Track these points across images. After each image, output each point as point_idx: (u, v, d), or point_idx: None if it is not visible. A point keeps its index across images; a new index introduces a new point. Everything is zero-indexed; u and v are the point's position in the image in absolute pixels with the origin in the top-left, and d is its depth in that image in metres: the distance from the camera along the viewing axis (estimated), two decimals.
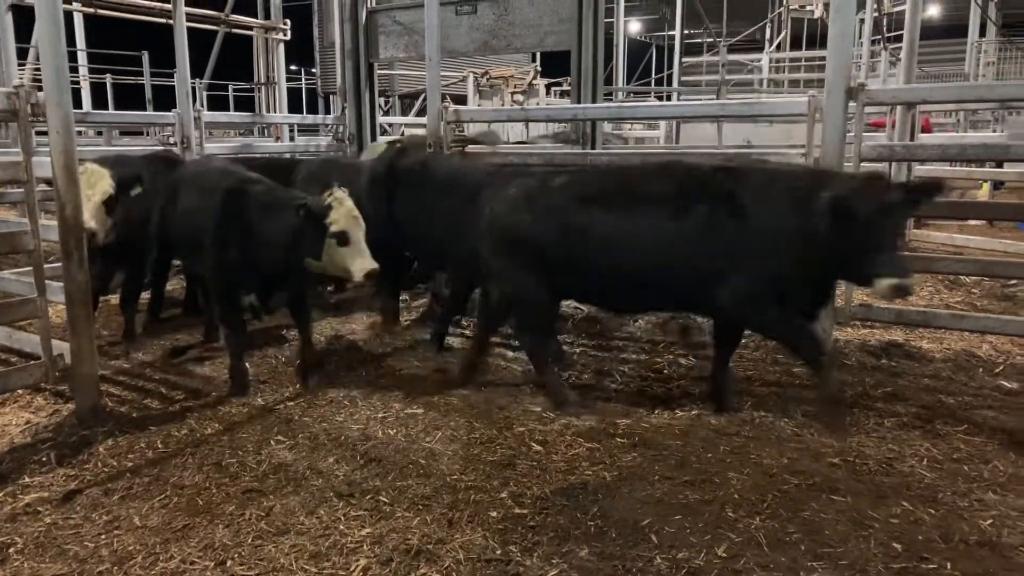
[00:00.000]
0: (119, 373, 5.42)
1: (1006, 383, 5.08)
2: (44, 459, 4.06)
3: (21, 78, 10.41)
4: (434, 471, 3.91)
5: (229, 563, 3.14)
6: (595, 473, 3.87)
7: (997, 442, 4.16)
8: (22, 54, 13.75)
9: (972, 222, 10.77)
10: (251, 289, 5.01)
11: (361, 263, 4.66)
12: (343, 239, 4.61)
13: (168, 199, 5.62)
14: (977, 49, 17.74)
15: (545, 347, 5.11)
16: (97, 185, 5.28)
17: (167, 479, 3.87)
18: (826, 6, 12.28)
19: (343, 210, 4.63)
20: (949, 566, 3.04)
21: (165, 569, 3.11)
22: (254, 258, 4.87)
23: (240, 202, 4.96)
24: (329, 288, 7.60)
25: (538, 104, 13.64)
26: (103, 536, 3.35)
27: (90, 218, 5.02)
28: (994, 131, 13.24)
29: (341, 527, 3.40)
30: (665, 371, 5.39)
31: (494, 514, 3.48)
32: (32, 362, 4.55)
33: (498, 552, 3.19)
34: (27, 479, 3.87)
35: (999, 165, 10.57)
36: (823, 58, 5.58)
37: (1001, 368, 5.31)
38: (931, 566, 3.05)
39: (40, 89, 4.28)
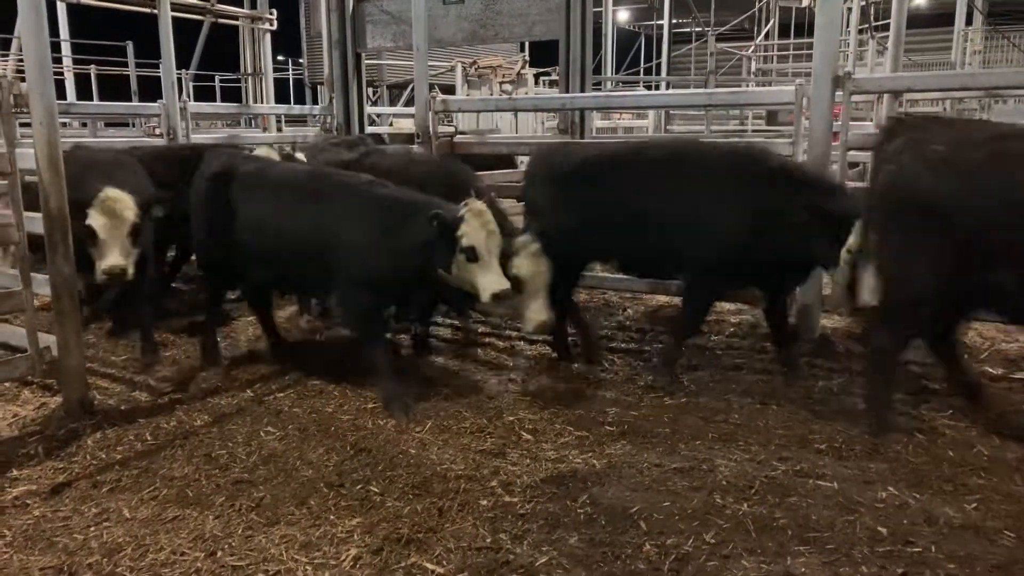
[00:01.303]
0: (107, 366, 5.39)
1: (991, 369, 5.12)
2: (32, 452, 4.05)
3: (4, 69, 10.31)
4: (424, 461, 3.92)
5: (219, 554, 3.14)
6: (584, 461, 3.89)
7: (981, 427, 4.21)
8: (4, 45, 13.64)
9: None
10: (391, 302, 4.74)
11: (489, 282, 4.28)
12: (471, 255, 4.27)
13: (223, 205, 5.05)
14: (964, 38, 17.77)
15: (896, 356, 4.24)
16: (122, 215, 4.73)
17: (156, 471, 3.86)
18: None
19: (475, 223, 4.28)
20: (934, 549, 3.08)
21: (155, 560, 3.11)
22: (393, 268, 4.52)
23: (378, 207, 4.58)
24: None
25: (526, 94, 13.61)
26: (92, 528, 3.35)
27: (121, 255, 4.69)
28: None
29: (331, 517, 3.40)
30: (654, 360, 5.41)
31: (484, 503, 3.50)
32: (18, 355, 4.51)
33: (488, 540, 3.21)
34: (15, 472, 3.85)
35: None
36: (811, 47, 5.57)
37: (986, 354, 5.36)
38: (916, 549, 3.09)
39: (23, 80, 4.24)
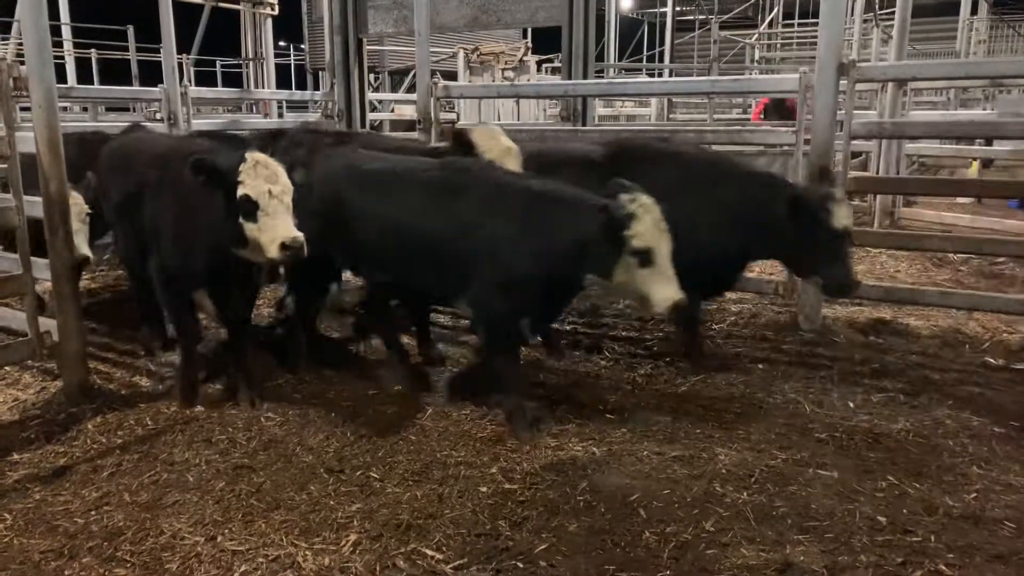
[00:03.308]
0: (107, 350, 5.39)
1: (992, 360, 5.11)
2: (32, 436, 4.06)
3: (4, 52, 10.26)
4: (424, 447, 3.92)
5: (220, 538, 3.15)
6: (584, 449, 3.89)
7: (982, 418, 4.20)
8: (5, 28, 13.57)
9: (961, 200, 10.80)
10: (526, 312, 4.13)
11: (665, 292, 3.69)
12: (647, 258, 3.66)
13: (340, 197, 4.53)
14: (969, 27, 17.68)
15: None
16: (280, 179, 3.92)
17: (157, 455, 3.87)
18: None
19: (649, 221, 3.65)
20: (933, 539, 3.08)
21: (156, 544, 3.12)
22: (535, 273, 3.94)
23: (524, 203, 4.02)
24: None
25: (529, 81, 13.54)
26: (93, 512, 3.36)
27: (294, 227, 3.89)
28: (984, 109, 13.25)
29: (331, 502, 3.41)
30: (655, 348, 5.40)
31: (484, 489, 3.50)
32: (19, 339, 4.51)
33: (488, 527, 3.21)
34: (16, 456, 3.86)
35: (988, 143, 10.60)
36: (815, 35, 5.53)
37: (987, 345, 5.34)
38: (915, 539, 3.09)
39: (23, 63, 4.21)
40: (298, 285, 5.15)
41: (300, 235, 3.83)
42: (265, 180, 3.83)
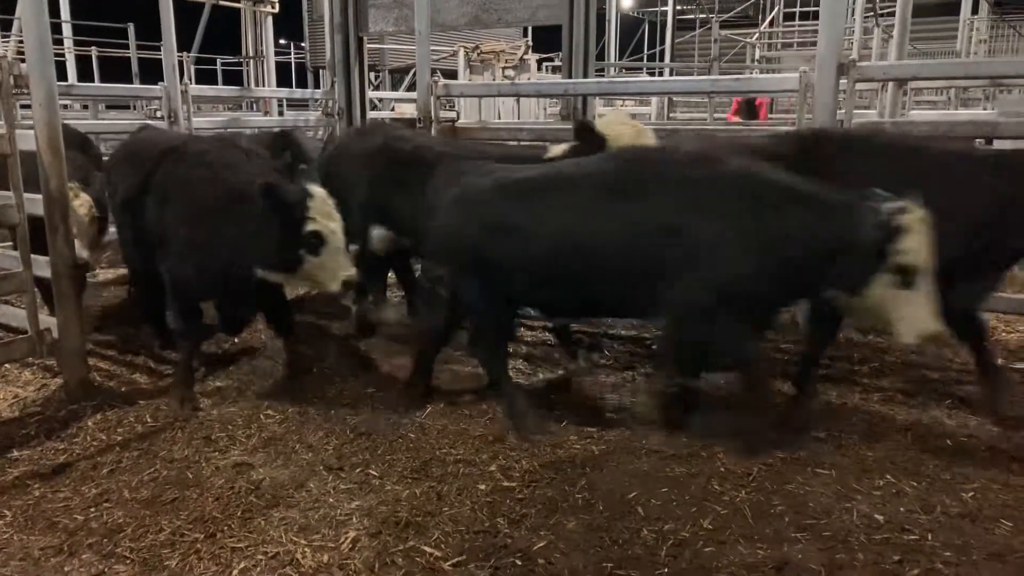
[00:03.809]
0: (107, 347, 5.40)
1: None
2: (32, 433, 4.07)
3: (5, 50, 10.26)
4: (423, 445, 3.93)
5: (219, 535, 3.16)
6: (583, 447, 3.90)
7: (980, 417, 4.21)
8: (6, 26, 13.56)
9: None
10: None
11: (925, 321, 3.26)
12: (909, 279, 3.22)
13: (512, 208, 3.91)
14: (969, 27, 17.67)
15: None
16: (336, 215, 4.08)
17: (156, 453, 3.88)
18: None
19: (923, 236, 3.19)
20: (930, 537, 3.09)
21: (155, 541, 3.13)
22: (762, 285, 3.48)
23: (755, 198, 3.51)
24: None
25: (529, 79, 13.53)
26: (92, 509, 3.37)
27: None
28: (985, 109, 13.24)
29: (331, 500, 3.42)
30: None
31: (483, 487, 3.51)
32: (19, 336, 4.52)
33: (486, 524, 3.22)
34: (16, 453, 3.87)
35: (989, 143, 10.58)
36: (816, 34, 5.53)
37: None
38: (912, 537, 3.10)
39: (24, 61, 4.22)
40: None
41: (355, 271, 4.13)
42: (329, 217, 4.05)
